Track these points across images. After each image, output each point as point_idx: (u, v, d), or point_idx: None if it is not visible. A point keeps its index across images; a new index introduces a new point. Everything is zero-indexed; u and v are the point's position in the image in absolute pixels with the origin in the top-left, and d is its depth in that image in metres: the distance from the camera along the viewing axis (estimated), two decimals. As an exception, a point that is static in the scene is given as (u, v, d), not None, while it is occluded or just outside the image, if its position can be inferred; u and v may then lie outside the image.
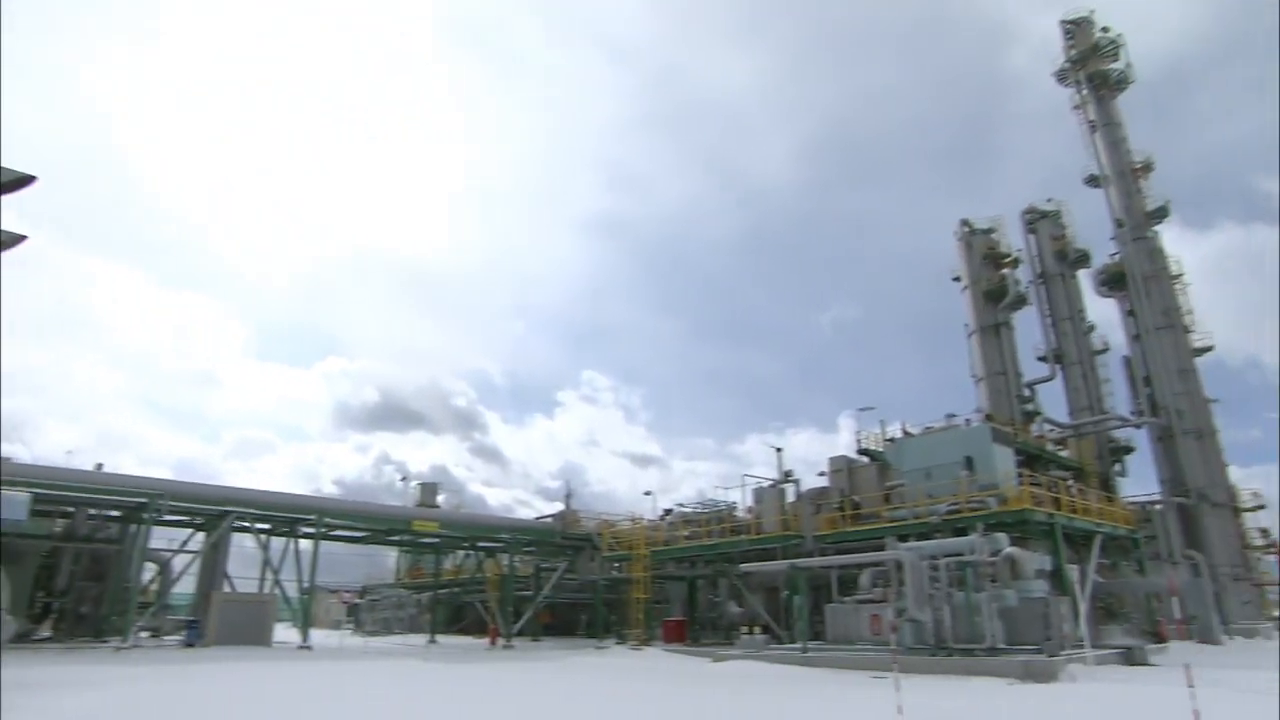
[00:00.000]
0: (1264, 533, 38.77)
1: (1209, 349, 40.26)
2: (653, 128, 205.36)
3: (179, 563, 31.59)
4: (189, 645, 26.14)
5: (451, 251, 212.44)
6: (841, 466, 32.06)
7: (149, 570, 31.20)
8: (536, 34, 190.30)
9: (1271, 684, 13.49)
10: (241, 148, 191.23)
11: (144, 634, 29.15)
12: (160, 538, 31.54)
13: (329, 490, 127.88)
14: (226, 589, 30.59)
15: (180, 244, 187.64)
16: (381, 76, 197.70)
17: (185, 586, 32.34)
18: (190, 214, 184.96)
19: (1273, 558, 38.62)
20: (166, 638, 29.82)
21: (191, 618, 28.46)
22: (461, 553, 45.81)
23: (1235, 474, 38.46)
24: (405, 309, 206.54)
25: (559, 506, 42.55)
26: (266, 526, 31.83)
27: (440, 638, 39.83)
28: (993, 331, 44.21)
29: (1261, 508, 39.52)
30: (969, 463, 26.36)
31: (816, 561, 24.13)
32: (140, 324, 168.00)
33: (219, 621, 27.21)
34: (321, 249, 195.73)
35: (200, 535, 31.46)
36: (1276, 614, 37.47)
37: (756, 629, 27.58)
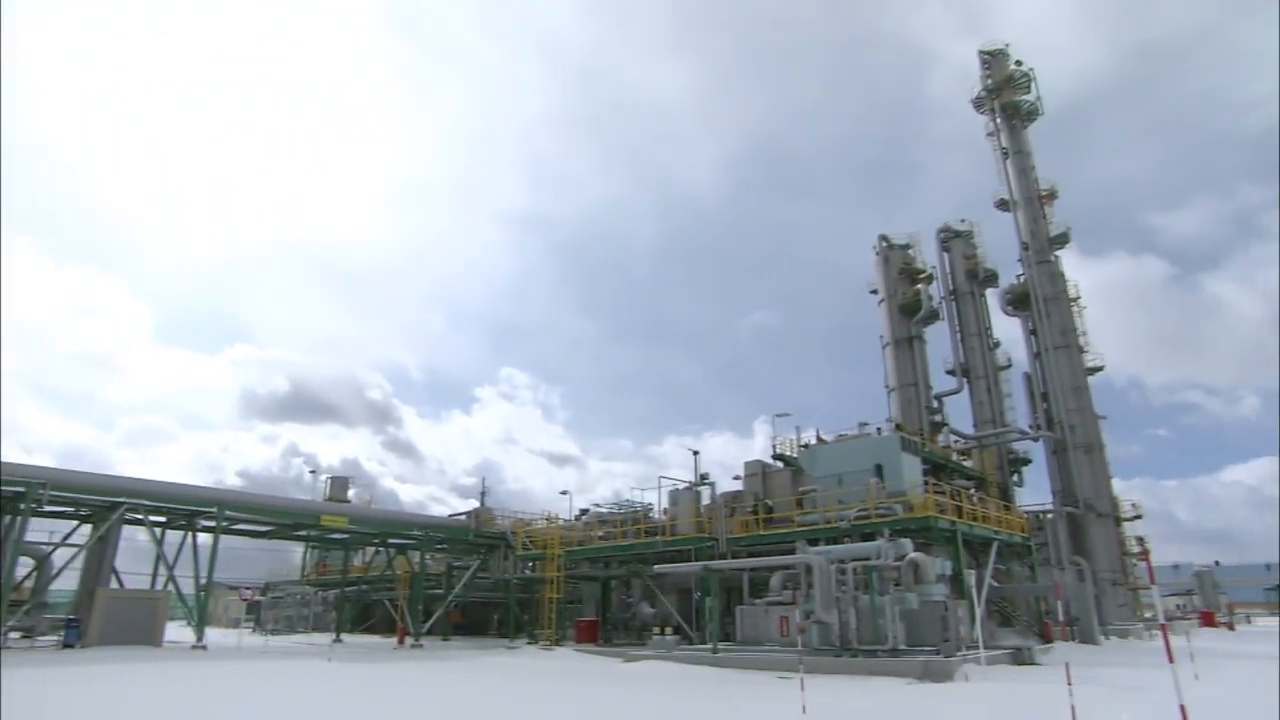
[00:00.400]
0: (1140, 541, 41.62)
1: (1100, 369, 42.96)
2: (580, 127, 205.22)
3: (60, 557, 29.60)
4: (68, 646, 24.49)
5: (371, 241, 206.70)
6: (756, 471, 32.69)
7: (24, 565, 29.08)
8: (470, 24, 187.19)
9: (1141, 681, 14.49)
10: (156, 124, 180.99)
11: (15, 635, 27.18)
12: (41, 530, 29.49)
13: (232, 482, 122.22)
14: (115, 585, 28.80)
15: (82, 217, 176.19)
16: (308, 59, 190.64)
17: (68, 583, 30.31)
18: (96, 188, 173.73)
19: (1146, 564, 41.50)
20: (42, 638, 27.85)
21: (72, 616, 26.67)
22: (371, 549, 44.52)
23: (1118, 486, 41.16)
24: (320, 297, 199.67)
25: (474, 504, 41.93)
26: (162, 519, 30.13)
27: (347, 637, 38.62)
28: (906, 344, 45.97)
29: (1139, 517, 42.42)
30: (879, 470, 27.33)
31: (729, 564, 24.52)
32: (30, 299, 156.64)
33: (103, 620, 25.60)
34: (236, 231, 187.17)
35: (87, 528, 29.54)
36: (1148, 615, 40.28)
37: (668, 630, 27.82)
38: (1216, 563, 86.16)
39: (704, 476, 32.22)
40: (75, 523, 29.84)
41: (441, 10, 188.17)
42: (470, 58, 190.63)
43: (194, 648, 26.22)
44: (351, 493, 55.53)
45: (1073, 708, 9.47)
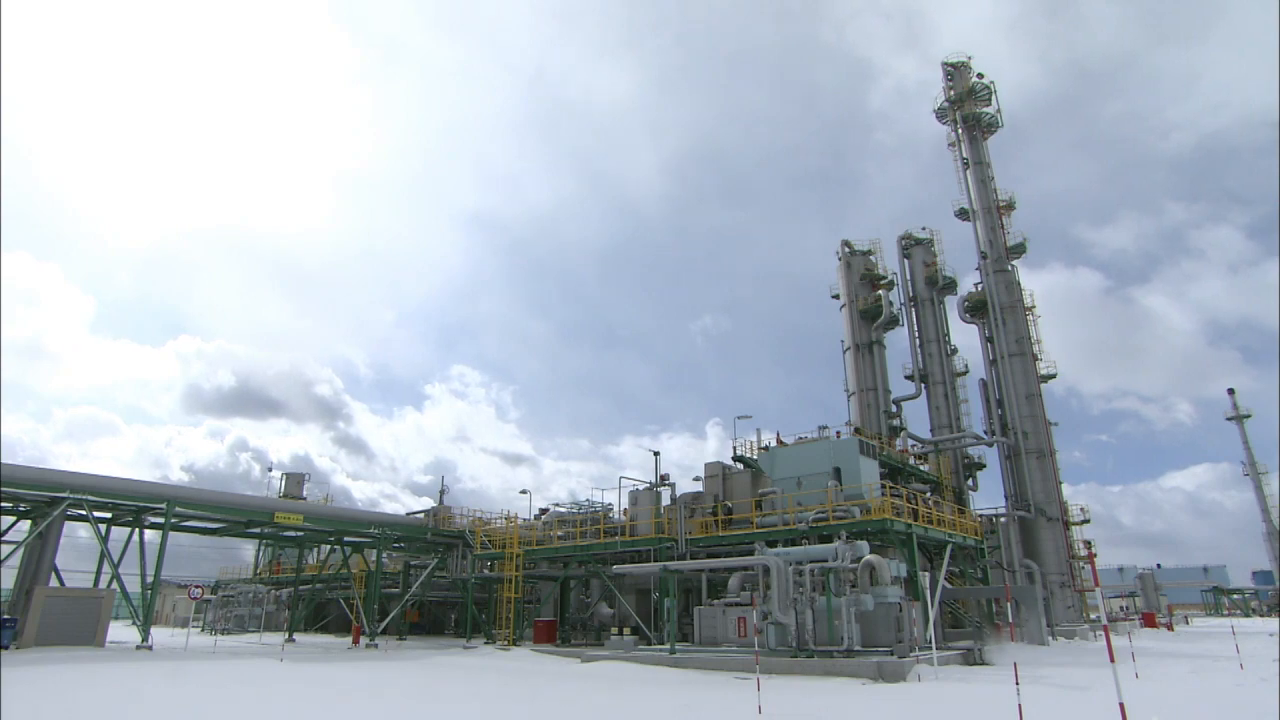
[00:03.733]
0: (1087, 544, 42.80)
1: (1053, 376, 44.08)
2: (529, 128, 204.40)
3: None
4: (1, 647, 23.56)
5: (318, 236, 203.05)
6: (717, 472, 32.84)
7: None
8: (420, 24, 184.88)
9: (1085, 680, 14.88)
10: (98, 110, 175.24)
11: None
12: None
13: (178, 477, 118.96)
14: (54, 584, 27.79)
15: (18, 202, 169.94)
16: (258, 51, 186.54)
17: (4, 581, 29.15)
18: (35, 172, 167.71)
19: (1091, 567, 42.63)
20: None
21: (7, 616, 25.66)
22: (326, 548, 43.73)
23: (1066, 491, 42.31)
24: (265, 290, 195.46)
25: (427, 502, 41.49)
26: (107, 515, 29.18)
27: (300, 636, 37.87)
28: (867, 349, 46.62)
29: (1087, 522, 43.65)
30: (837, 473, 27.65)
31: (688, 565, 24.57)
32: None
33: (42, 620, 24.69)
34: (178, 221, 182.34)
35: (25, 524, 28.47)
36: (1094, 617, 41.43)
37: (627, 630, 27.79)
38: (1158, 565, 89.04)
39: (664, 477, 32.24)
40: (13, 519, 28.78)
41: (392, 8, 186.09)
42: (421, 57, 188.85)
43: (138, 648, 25.45)
44: (306, 489, 54.48)
45: (1019, 706, 9.69)
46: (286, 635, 36.94)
